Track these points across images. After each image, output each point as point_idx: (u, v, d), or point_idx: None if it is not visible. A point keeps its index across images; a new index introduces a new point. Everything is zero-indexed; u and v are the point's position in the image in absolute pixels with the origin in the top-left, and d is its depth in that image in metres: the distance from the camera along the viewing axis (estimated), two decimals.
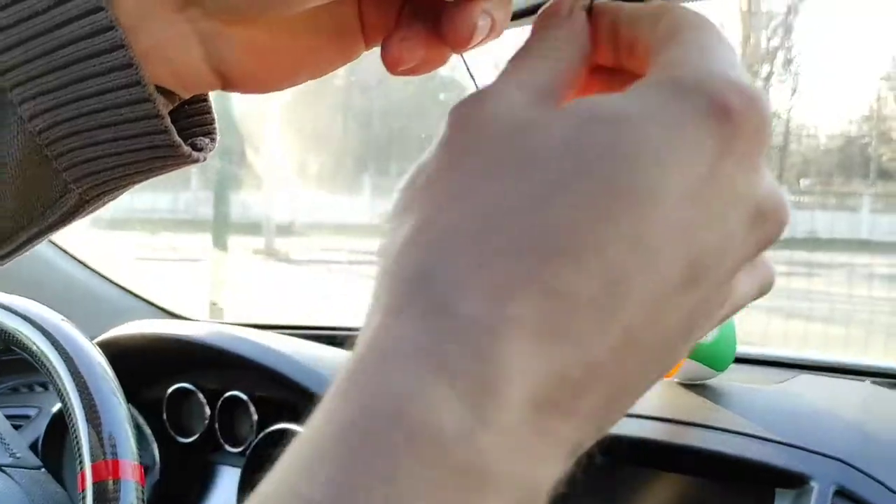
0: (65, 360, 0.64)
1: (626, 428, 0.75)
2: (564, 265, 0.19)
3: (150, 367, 0.97)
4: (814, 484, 0.66)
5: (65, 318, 0.67)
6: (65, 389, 0.62)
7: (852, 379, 0.95)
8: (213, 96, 0.31)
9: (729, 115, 0.21)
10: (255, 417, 0.91)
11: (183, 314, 1.32)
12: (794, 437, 0.71)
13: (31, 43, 0.24)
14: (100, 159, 0.26)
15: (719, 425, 0.73)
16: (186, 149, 0.27)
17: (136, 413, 0.98)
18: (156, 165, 0.27)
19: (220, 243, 2.94)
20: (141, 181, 0.27)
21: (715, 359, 0.80)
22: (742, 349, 0.93)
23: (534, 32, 0.26)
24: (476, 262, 0.20)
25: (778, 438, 0.70)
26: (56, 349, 0.64)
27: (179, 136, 0.27)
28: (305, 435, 0.20)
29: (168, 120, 0.26)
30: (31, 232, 0.27)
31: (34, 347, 0.65)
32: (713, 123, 0.21)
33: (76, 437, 0.59)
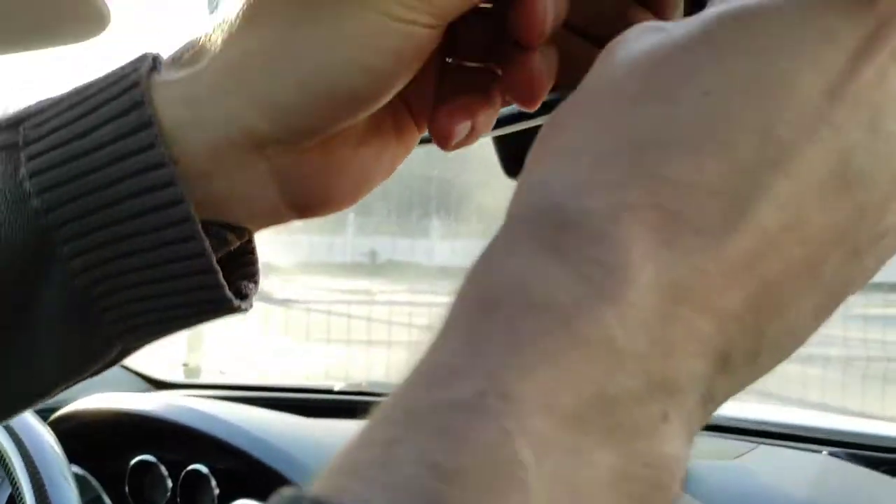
0: (16, 443, 0.64)
1: None
2: (687, 155, 0.18)
3: (112, 440, 0.97)
4: None
5: None
6: (15, 473, 0.63)
7: (810, 449, 0.95)
8: None
9: (872, 5, 0.19)
10: (217, 492, 0.91)
11: (154, 376, 1.32)
12: None
13: (86, 199, 0.23)
14: (148, 313, 0.26)
15: None
16: (236, 301, 0.26)
17: (98, 486, 0.97)
18: (203, 317, 0.27)
19: None
20: (181, 330, 0.27)
21: None
22: None
23: None
24: (593, 161, 0.19)
25: None
26: (7, 431, 0.64)
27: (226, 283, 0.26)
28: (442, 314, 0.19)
29: (221, 275, 0.25)
30: (66, 386, 0.27)
31: None
32: (854, 9, 0.19)
33: None
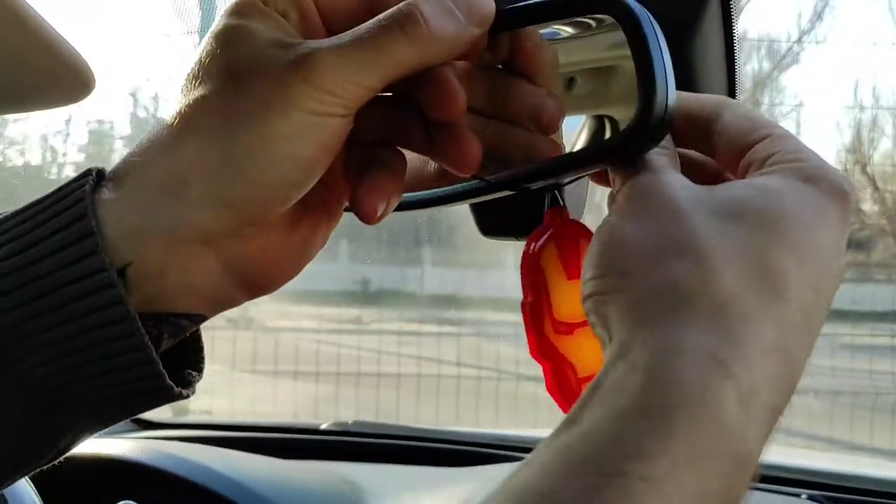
0: None
1: None
2: (783, 279, 0.27)
3: (91, 485, 0.96)
4: None
5: None
6: None
7: (789, 492, 0.95)
8: None
9: (846, 197, 0.29)
10: None
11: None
12: None
13: (38, 302, 0.26)
14: (97, 403, 0.28)
15: None
16: (178, 389, 0.29)
17: None
18: (148, 405, 0.29)
19: None
20: (131, 416, 0.30)
21: None
22: None
23: None
24: (730, 292, 0.26)
25: None
26: None
27: (172, 370, 0.28)
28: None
29: (160, 366, 0.28)
30: (17, 477, 0.29)
31: None
32: (840, 203, 0.29)
33: None
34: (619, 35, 0.32)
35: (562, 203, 0.42)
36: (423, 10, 0.28)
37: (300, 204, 0.30)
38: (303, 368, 3.11)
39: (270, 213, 0.29)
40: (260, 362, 3.32)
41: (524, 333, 0.41)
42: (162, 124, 0.28)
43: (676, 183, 0.29)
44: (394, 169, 0.31)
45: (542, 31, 0.35)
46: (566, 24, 0.37)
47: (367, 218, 0.31)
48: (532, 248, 0.41)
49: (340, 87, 0.27)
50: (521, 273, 0.41)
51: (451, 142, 0.30)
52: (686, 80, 0.56)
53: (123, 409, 0.28)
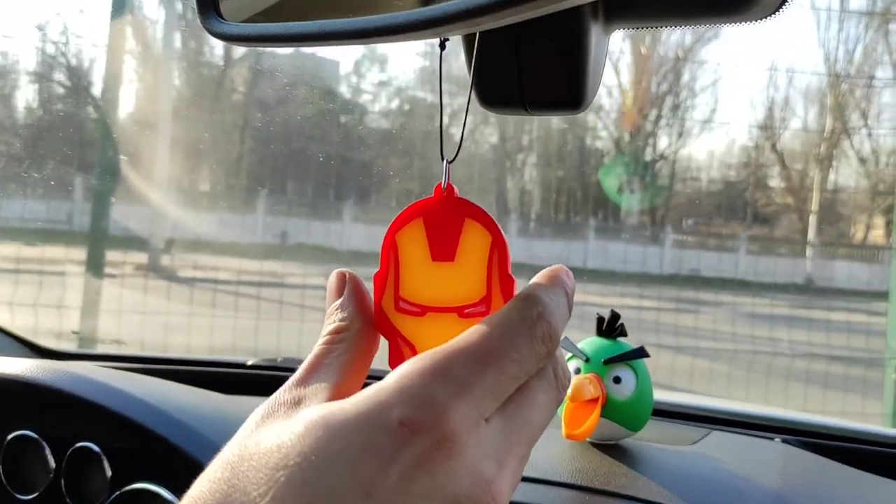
0: None
1: (536, 496, 0.68)
2: None
3: None
4: None
5: None
6: None
7: (762, 436, 0.91)
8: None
9: (405, 430, 0.29)
10: (109, 473, 0.78)
11: (40, 344, 1.17)
12: None
13: None
14: None
15: (636, 494, 0.66)
16: None
17: None
18: None
19: (95, 258, 2.72)
20: None
21: (632, 419, 0.73)
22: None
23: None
24: None
25: None
26: None
27: None
28: None
29: None
30: None
31: None
32: (391, 437, 0.29)
33: None
34: None
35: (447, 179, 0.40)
36: None
37: None
38: (220, 314, 2.95)
39: None
40: (174, 309, 3.14)
41: None
42: None
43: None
44: None
45: None
46: None
47: None
48: (399, 221, 0.40)
49: None
50: (382, 244, 0.40)
51: None
52: None
53: None
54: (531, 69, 0.46)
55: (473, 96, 0.49)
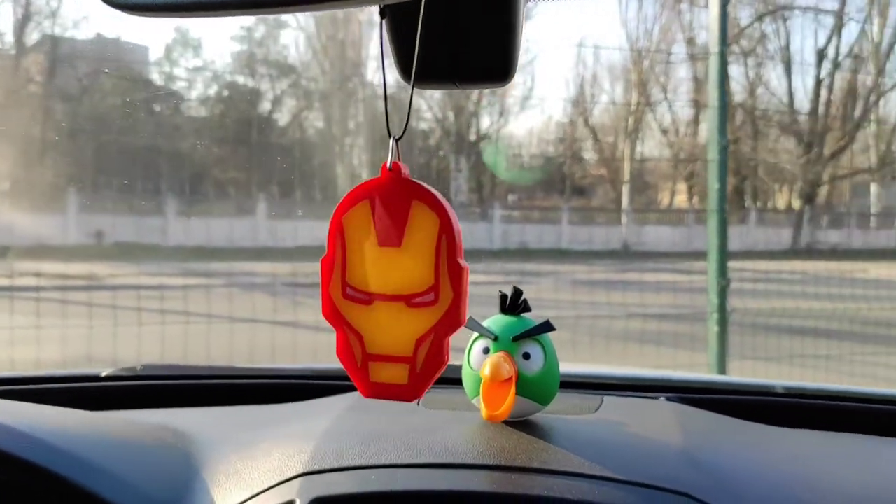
0: None
1: (459, 481, 0.66)
2: None
3: None
4: None
5: None
6: None
7: (648, 397, 0.95)
8: None
9: None
10: None
11: None
12: (636, 474, 0.66)
13: None
14: None
15: (559, 468, 0.66)
16: None
17: None
18: None
19: None
20: None
21: (543, 393, 0.73)
22: None
23: None
24: None
25: (621, 477, 0.65)
26: None
27: None
28: None
29: None
30: None
31: None
32: None
33: None
34: None
35: (397, 157, 0.38)
36: None
37: None
38: (47, 323, 2.70)
39: None
40: None
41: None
42: None
43: None
44: None
45: None
46: None
47: None
48: (345, 203, 0.37)
49: None
50: (329, 227, 0.38)
51: None
52: None
53: None
54: (464, 42, 0.44)
55: (399, 73, 0.46)
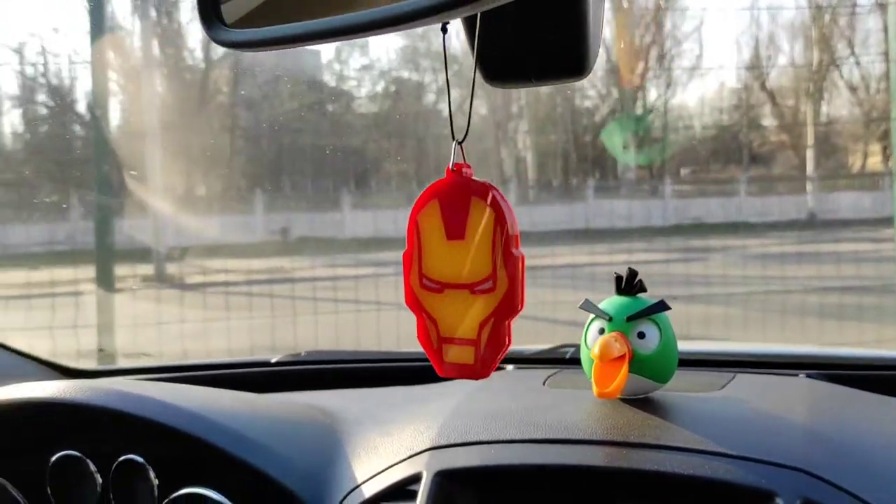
0: None
1: (574, 455, 0.69)
2: None
3: (25, 436, 0.84)
4: (779, 500, 0.61)
5: None
6: None
7: (786, 374, 0.92)
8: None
9: None
10: (156, 482, 0.80)
11: (65, 364, 1.18)
12: (751, 450, 0.66)
13: None
14: None
15: (671, 443, 0.68)
16: None
17: (13, 490, 0.85)
18: None
19: (104, 274, 2.73)
20: None
21: (659, 371, 0.75)
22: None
23: None
24: None
25: (735, 453, 0.66)
26: None
27: None
28: None
29: None
30: None
31: None
32: None
33: None
34: None
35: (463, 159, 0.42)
36: None
37: None
38: (235, 316, 2.97)
39: None
40: (189, 316, 3.16)
41: None
42: None
43: None
44: None
45: None
46: None
47: None
48: (419, 202, 0.42)
49: None
50: (407, 224, 0.42)
51: None
52: None
53: None
54: (534, 40, 0.47)
55: (479, 74, 0.50)
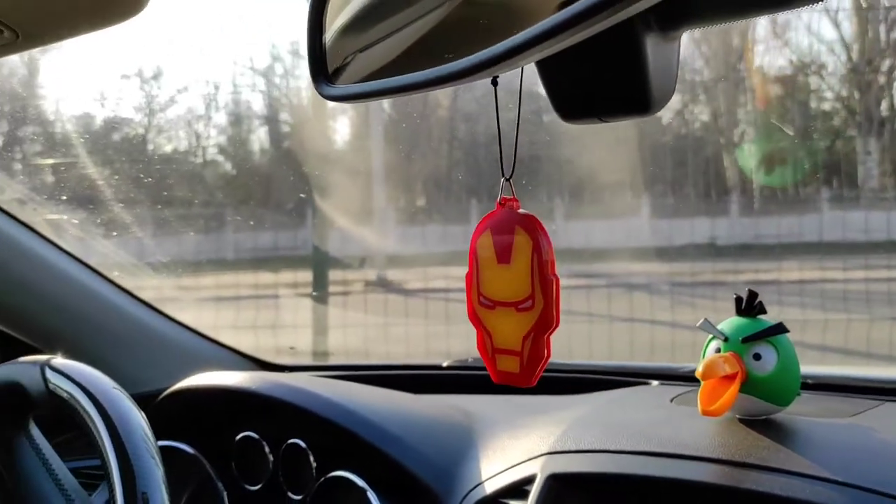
0: (107, 425, 0.66)
1: (679, 470, 0.71)
2: None
3: (217, 417, 1.00)
4: None
5: (115, 386, 0.70)
6: (105, 450, 0.65)
7: None
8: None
9: None
10: (315, 464, 0.93)
11: (261, 358, 1.36)
12: (870, 480, 0.65)
13: None
14: None
15: (781, 466, 0.68)
16: None
17: (207, 465, 1.01)
18: None
19: (319, 280, 3.01)
20: None
21: (776, 394, 0.75)
22: (811, 370, 0.87)
23: None
24: None
25: (851, 482, 0.65)
26: (100, 413, 0.67)
27: None
28: None
29: None
30: None
31: (83, 413, 0.68)
32: None
33: (112, 494, 0.62)
34: None
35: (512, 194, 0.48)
36: None
37: None
38: (435, 322, 3.14)
39: None
40: (391, 321, 3.38)
41: None
42: None
43: None
44: None
45: None
46: None
47: None
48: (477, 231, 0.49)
49: None
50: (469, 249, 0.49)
51: None
52: None
53: None
54: (596, 82, 0.52)
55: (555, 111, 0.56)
